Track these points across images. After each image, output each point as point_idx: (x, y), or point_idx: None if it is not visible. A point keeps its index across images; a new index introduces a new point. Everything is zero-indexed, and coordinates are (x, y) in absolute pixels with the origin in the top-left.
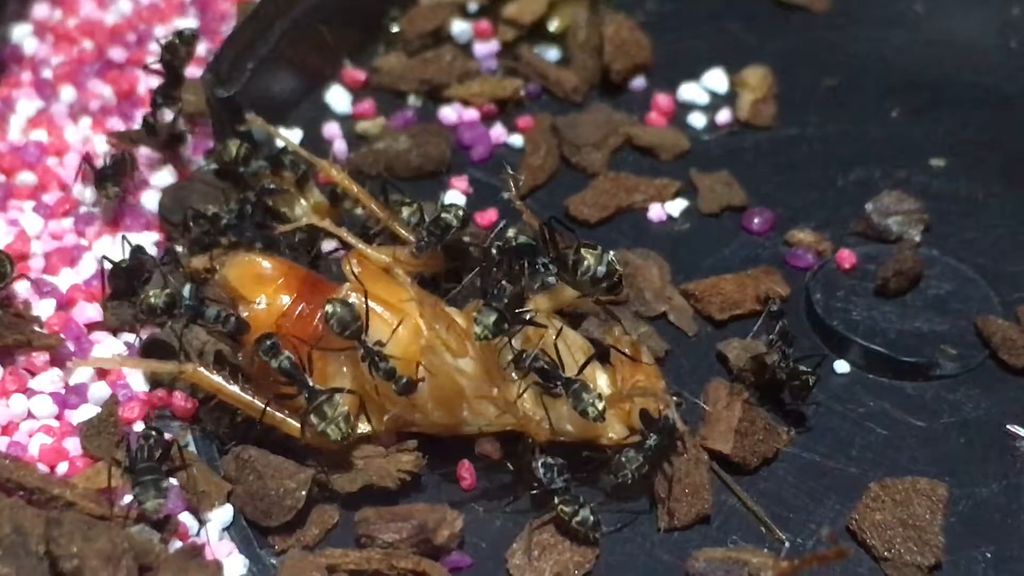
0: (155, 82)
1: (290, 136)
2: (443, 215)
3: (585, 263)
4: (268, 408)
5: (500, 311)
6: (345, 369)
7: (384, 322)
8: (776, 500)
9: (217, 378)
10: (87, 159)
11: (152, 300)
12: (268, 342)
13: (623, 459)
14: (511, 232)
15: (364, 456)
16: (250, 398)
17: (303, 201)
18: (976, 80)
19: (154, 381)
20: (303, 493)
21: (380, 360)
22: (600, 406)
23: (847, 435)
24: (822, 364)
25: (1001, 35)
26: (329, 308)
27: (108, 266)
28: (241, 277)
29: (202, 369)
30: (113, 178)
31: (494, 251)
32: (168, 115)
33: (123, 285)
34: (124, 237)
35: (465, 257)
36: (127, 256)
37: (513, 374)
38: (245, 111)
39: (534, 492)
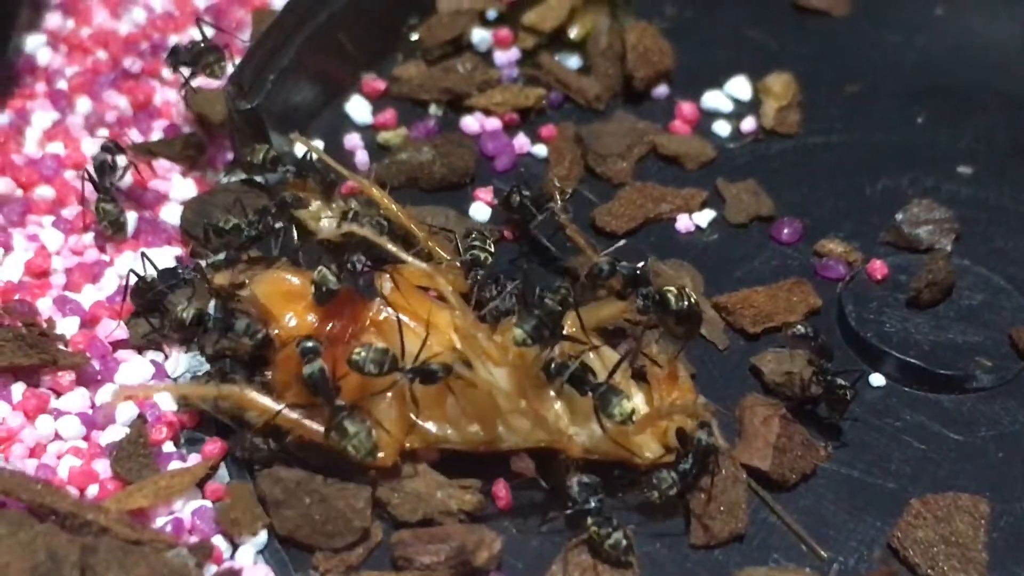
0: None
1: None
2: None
3: (671, 299)
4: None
5: (540, 317)
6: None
7: (418, 338)
8: (815, 517)
9: (265, 399)
10: (87, 174)
11: (181, 315)
12: (307, 345)
13: (655, 479)
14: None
15: (424, 485)
16: (298, 417)
17: (329, 212)
18: (1000, 85)
19: (184, 401)
20: (369, 512)
21: (428, 369)
22: (628, 407)
23: (885, 450)
24: (860, 380)
25: None
26: (356, 358)
27: (133, 279)
28: (270, 294)
29: (248, 391)
30: (112, 201)
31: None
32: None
33: (146, 302)
34: (143, 254)
35: None
36: (151, 273)
37: (546, 385)
38: (266, 123)
39: (568, 512)
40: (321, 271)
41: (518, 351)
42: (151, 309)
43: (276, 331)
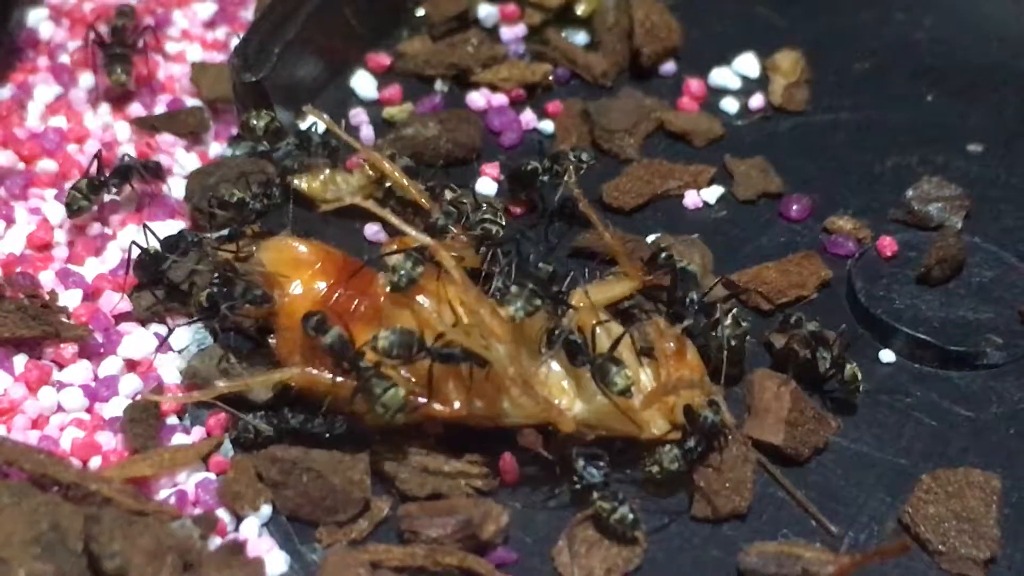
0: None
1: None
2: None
3: (727, 327)
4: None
5: (530, 288)
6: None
7: (426, 311)
8: (825, 492)
9: (326, 375)
10: (101, 154)
11: (198, 301)
12: (314, 319)
13: (657, 455)
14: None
15: (431, 459)
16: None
17: (341, 181)
18: (1010, 63)
19: (189, 375)
20: (368, 482)
21: (450, 352)
22: (627, 378)
23: (895, 426)
24: (850, 347)
25: None
26: (383, 343)
27: (136, 252)
28: (276, 261)
29: (310, 369)
30: (87, 196)
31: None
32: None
33: (149, 274)
34: (146, 226)
35: None
36: (155, 244)
37: (542, 356)
38: (271, 95)
39: (575, 487)
40: (402, 261)
41: (519, 324)
42: (155, 281)
43: (285, 298)
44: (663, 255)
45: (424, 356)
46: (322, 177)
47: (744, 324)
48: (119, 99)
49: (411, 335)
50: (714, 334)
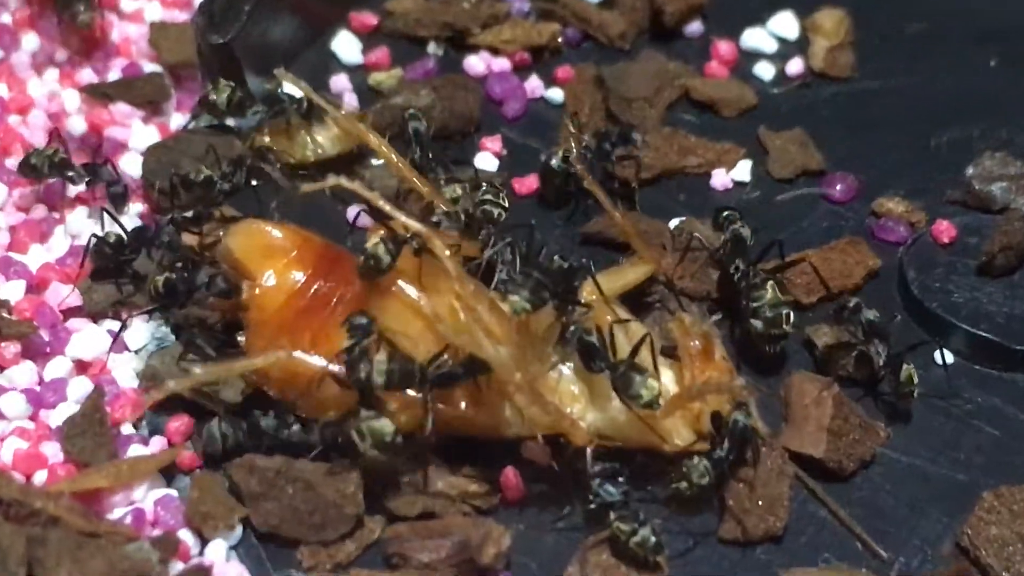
0: None
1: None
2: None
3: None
4: None
5: (536, 279)
6: None
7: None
8: (872, 511)
9: (317, 360)
10: (57, 135)
11: (153, 285)
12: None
13: (684, 468)
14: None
15: (423, 473)
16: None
17: (317, 138)
18: None
19: (147, 377)
20: (361, 496)
21: (449, 374)
22: (654, 389)
23: (952, 435)
24: (915, 350)
25: None
26: (380, 378)
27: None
28: (247, 248)
29: (298, 353)
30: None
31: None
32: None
33: (108, 263)
34: (104, 210)
35: None
36: (115, 232)
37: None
38: (241, 59)
39: (591, 506)
40: (376, 245)
41: (523, 321)
42: (118, 272)
43: (256, 290)
44: (725, 213)
45: (424, 382)
46: (299, 139)
47: (786, 296)
48: (67, 64)
49: (411, 363)
50: (751, 304)
